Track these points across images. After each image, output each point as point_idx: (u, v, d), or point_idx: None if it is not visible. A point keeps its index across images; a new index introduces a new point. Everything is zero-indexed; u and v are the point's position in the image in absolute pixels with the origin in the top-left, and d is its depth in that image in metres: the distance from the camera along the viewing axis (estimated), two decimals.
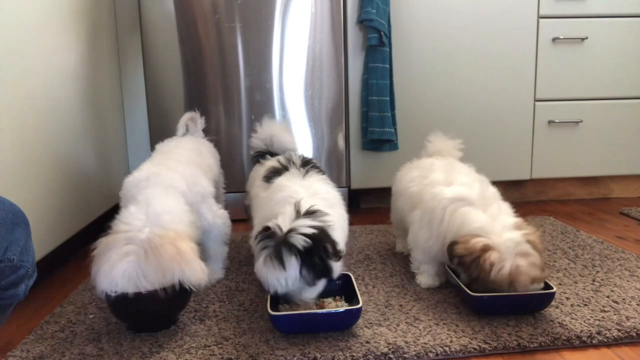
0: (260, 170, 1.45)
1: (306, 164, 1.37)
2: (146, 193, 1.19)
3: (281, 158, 1.43)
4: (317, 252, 1.08)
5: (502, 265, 1.12)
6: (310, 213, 1.12)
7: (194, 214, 1.28)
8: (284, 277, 1.06)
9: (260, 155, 1.57)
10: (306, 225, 1.09)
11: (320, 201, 1.18)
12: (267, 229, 1.11)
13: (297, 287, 1.09)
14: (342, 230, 1.22)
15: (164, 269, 1.06)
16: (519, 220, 1.22)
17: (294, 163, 1.36)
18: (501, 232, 1.16)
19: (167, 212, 1.15)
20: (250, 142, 1.63)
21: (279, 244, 1.07)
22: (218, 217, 1.40)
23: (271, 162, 1.43)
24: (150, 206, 1.14)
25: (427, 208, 1.33)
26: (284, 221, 1.11)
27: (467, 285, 1.18)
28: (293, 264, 1.06)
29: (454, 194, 1.29)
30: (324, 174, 1.37)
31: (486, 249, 1.14)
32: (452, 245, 1.21)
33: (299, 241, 1.07)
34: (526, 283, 1.13)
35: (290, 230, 1.08)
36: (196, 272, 1.10)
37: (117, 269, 1.04)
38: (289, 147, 1.57)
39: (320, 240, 1.09)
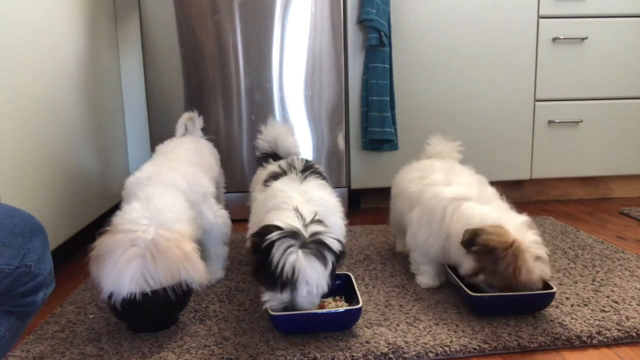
0: (262, 174, 1.45)
1: (307, 169, 1.36)
2: (147, 190, 1.20)
3: (283, 163, 1.42)
4: (341, 258, 1.10)
5: (533, 269, 1.11)
6: (318, 221, 1.11)
7: (195, 213, 1.28)
8: (323, 275, 1.04)
9: (265, 157, 1.58)
10: (329, 231, 1.09)
11: (315, 208, 1.17)
12: (277, 228, 1.06)
13: (321, 289, 1.06)
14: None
15: (170, 270, 1.07)
16: (527, 218, 1.21)
17: (294, 168, 1.36)
18: (522, 231, 1.16)
19: (169, 209, 1.15)
20: (256, 144, 1.64)
21: (315, 243, 1.05)
22: (219, 216, 1.40)
23: (272, 167, 1.43)
24: (152, 203, 1.14)
25: (426, 207, 1.33)
26: (295, 223, 1.08)
27: (474, 271, 1.16)
28: (330, 264, 1.06)
29: (453, 193, 1.29)
30: (324, 179, 1.36)
31: (520, 248, 1.12)
32: (476, 233, 1.15)
33: (336, 245, 1.07)
34: (538, 288, 1.15)
35: (317, 233, 1.07)
36: (200, 274, 1.11)
37: (125, 274, 1.03)
38: (292, 150, 1.58)
39: (344, 248, 1.11)
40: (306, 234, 1.07)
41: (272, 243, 1.04)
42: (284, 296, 1.05)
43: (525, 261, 1.11)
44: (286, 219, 1.10)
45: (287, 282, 1.03)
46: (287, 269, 1.02)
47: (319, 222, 1.11)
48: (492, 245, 1.13)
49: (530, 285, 1.13)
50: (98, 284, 1.07)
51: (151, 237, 1.07)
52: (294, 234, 1.05)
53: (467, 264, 1.19)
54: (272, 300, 1.07)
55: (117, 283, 1.03)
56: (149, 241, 1.07)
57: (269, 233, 1.06)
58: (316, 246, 1.05)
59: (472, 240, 1.16)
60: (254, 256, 1.08)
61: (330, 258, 1.06)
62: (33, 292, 0.84)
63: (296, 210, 1.13)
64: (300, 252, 1.03)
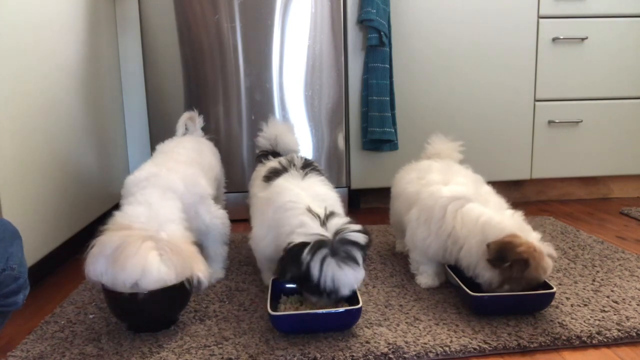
0: (262, 170, 1.46)
1: (306, 166, 1.37)
2: (145, 194, 1.20)
3: (282, 159, 1.43)
4: (369, 247, 1.14)
5: (549, 266, 1.16)
6: (333, 214, 1.15)
7: (192, 215, 1.29)
8: (358, 272, 1.09)
9: (264, 155, 1.58)
10: (348, 222, 1.13)
11: (320, 203, 1.19)
12: (305, 244, 1.08)
13: (360, 281, 1.12)
14: None
15: (184, 266, 1.09)
16: (520, 214, 1.25)
17: (294, 165, 1.37)
18: (527, 231, 1.18)
19: (170, 220, 1.18)
20: (257, 141, 1.64)
21: (340, 243, 1.08)
22: (216, 217, 1.39)
23: (272, 163, 1.44)
24: (153, 209, 1.16)
25: (424, 206, 1.33)
26: (316, 229, 1.10)
27: (500, 282, 1.17)
28: (361, 259, 1.10)
29: (451, 192, 1.30)
30: (323, 175, 1.38)
31: (542, 253, 1.15)
32: (505, 249, 1.15)
33: (362, 238, 1.11)
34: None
35: (341, 231, 1.10)
36: (206, 271, 1.15)
37: (150, 262, 1.05)
38: (292, 148, 1.58)
39: (369, 235, 1.14)
40: (330, 234, 1.09)
41: (309, 263, 1.07)
42: (332, 297, 1.11)
43: (546, 263, 1.15)
44: (304, 225, 1.12)
45: (332, 291, 1.09)
46: (329, 282, 1.07)
47: (334, 214, 1.15)
48: (526, 258, 1.13)
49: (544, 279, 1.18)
50: (111, 276, 1.06)
51: (166, 236, 1.11)
52: (321, 245, 1.07)
53: (489, 276, 1.18)
54: (320, 302, 1.13)
55: (142, 270, 1.04)
56: (164, 239, 1.10)
57: (301, 252, 1.08)
58: (345, 248, 1.08)
59: (504, 257, 1.15)
60: (291, 267, 1.11)
61: (360, 255, 1.10)
62: (15, 293, 0.90)
63: (309, 210, 1.15)
64: (334, 262, 1.06)
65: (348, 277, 1.07)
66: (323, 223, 1.12)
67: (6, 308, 0.89)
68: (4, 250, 0.85)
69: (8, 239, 0.88)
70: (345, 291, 1.09)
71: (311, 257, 1.07)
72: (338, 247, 1.07)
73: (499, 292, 1.18)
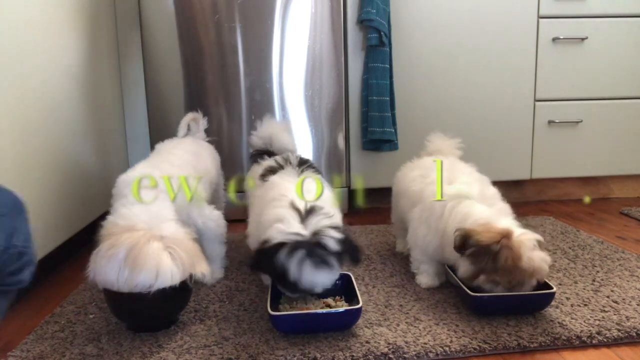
0: (258, 169, 1.45)
1: (302, 163, 1.37)
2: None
3: (278, 158, 1.43)
4: (348, 250, 1.14)
5: (532, 255, 1.11)
6: (314, 210, 1.13)
7: (184, 217, 1.30)
8: (334, 274, 1.12)
9: (259, 154, 1.56)
10: (328, 219, 1.13)
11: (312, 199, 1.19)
12: (282, 244, 1.08)
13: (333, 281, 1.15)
14: None
15: (190, 263, 1.10)
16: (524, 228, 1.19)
17: (290, 163, 1.37)
18: (511, 226, 1.16)
19: (168, 217, 1.18)
20: (250, 140, 1.63)
21: (316, 247, 1.08)
22: (210, 219, 1.39)
23: (268, 162, 1.44)
24: (150, 208, 1.17)
25: (427, 205, 1.33)
26: (294, 227, 1.10)
27: (473, 273, 1.15)
28: (335, 263, 1.11)
29: (454, 191, 1.29)
30: (320, 173, 1.38)
31: (512, 238, 1.11)
32: (468, 234, 1.15)
33: (335, 245, 1.10)
34: (543, 277, 1.15)
35: (318, 233, 1.09)
36: (207, 269, 1.16)
37: (162, 264, 1.05)
38: (288, 148, 1.56)
39: (349, 237, 1.15)
40: (307, 233, 1.08)
41: (286, 265, 1.06)
42: (306, 293, 1.14)
43: (522, 249, 1.10)
44: (283, 219, 1.11)
45: (307, 290, 1.10)
46: (305, 283, 1.08)
47: (315, 210, 1.13)
48: (485, 243, 1.12)
49: (534, 273, 1.12)
50: (127, 281, 1.05)
51: (169, 234, 1.11)
52: (298, 245, 1.07)
53: (463, 267, 1.18)
54: (295, 296, 1.16)
55: (156, 274, 1.04)
56: (170, 236, 1.10)
57: (278, 253, 1.07)
58: (320, 253, 1.07)
59: (465, 243, 1.15)
60: (266, 266, 1.12)
61: (334, 260, 1.09)
62: (20, 270, 0.85)
63: (292, 204, 1.14)
64: (309, 265, 1.06)
65: (323, 278, 1.08)
66: (303, 219, 1.11)
67: (11, 287, 0.85)
68: (9, 226, 0.81)
69: (13, 213, 0.83)
70: (319, 290, 1.11)
71: (288, 260, 1.06)
72: (314, 251, 1.07)
73: (485, 288, 1.16)
